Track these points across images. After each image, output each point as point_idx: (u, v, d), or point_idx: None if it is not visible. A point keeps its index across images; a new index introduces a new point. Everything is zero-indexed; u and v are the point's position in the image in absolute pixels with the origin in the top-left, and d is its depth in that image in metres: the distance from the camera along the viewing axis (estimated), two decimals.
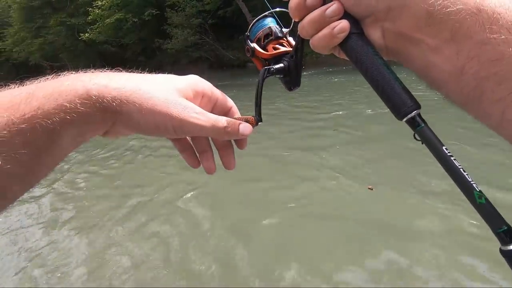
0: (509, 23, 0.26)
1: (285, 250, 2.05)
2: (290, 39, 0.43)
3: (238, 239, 2.20)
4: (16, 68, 28.34)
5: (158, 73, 0.38)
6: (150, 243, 2.30)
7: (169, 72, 0.38)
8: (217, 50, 15.89)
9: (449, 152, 0.29)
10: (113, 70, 0.34)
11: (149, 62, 19.51)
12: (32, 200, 3.25)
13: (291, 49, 0.42)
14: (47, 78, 0.30)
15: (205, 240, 2.27)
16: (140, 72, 0.37)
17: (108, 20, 17.10)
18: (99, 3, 17.24)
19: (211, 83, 0.39)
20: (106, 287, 1.90)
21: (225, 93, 0.41)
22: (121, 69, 0.35)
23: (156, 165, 3.83)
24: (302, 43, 0.39)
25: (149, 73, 0.38)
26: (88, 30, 18.24)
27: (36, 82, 0.30)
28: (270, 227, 2.33)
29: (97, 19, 17.66)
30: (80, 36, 18.77)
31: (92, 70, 0.33)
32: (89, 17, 17.77)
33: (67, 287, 1.94)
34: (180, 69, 17.51)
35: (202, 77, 0.39)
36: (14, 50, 24.27)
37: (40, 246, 2.45)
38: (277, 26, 0.43)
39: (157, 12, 16.35)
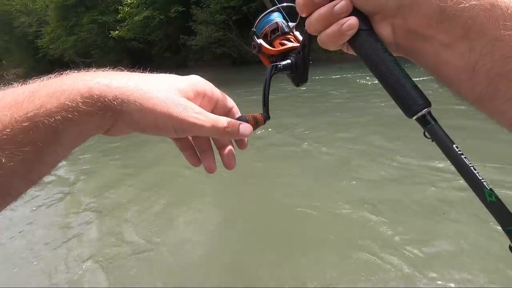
0: None
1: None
2: (297, 33, 0.42)
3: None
4: (52, 64, 30.04)
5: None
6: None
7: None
8: (240, 46, 15.92)
9: (459, 150, 0.28)
10: (115, 69, 0.34)
11: (174, 58, 19.96)
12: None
13: (298, 44, 0.41)
14: (50, 77, 0.31)
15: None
16: (163, 71, 0.38)
17: (136, 17, 17.68)
18: (128, 1, 17.85)
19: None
20: (112, 287, 1.94)
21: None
22: (122, 68, 0.35)
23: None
24: (309, 39, 0.38)
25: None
26: (117, 27, 18.97)
27: (39, 81, 0.30)
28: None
29: (126, 17, 18.30)
30: (110, 34, 19.54)
31: (94, 69, 0.33)
32: (119, 15, 18.45)
33: (78, 287, 1.98)
34: (203, 65, 17.77)
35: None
36: (50, 47, 25.78)
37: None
38: (284, 21, 0.42)
39: (183, 9, 16.65)
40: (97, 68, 0.34)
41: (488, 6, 0.26)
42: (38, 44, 26.92)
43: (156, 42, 19.41)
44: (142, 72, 0.36)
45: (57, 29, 24.47)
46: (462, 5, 0.27)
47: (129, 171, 3.78)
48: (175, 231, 2.42)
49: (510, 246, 0.26)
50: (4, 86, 0.31)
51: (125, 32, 18.74)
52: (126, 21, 18.49)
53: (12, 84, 0.31)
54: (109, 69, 0.34)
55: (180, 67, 18.70)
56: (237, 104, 0.42)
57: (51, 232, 2.64)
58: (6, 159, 0.26)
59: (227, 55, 16.88)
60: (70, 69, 0.34)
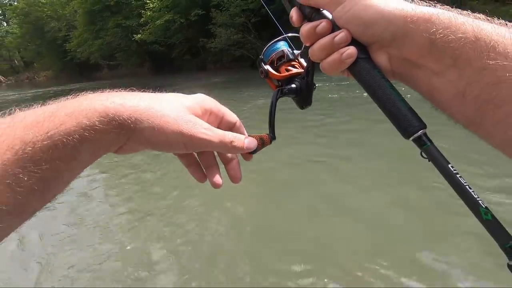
0: (506, 50, 0.28)
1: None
2: (302, 60, 0.45)
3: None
4: (79, 66, 31.54)
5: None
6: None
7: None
8: (258, 48, 15.96)
9: (455, 170, 0.29)
10: (127, 90, 0.36)
11: (193, 60, 20.33)
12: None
13: (302, 70, 0.44)
14: (67, 98, 0.32)
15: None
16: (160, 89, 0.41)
17: (158, 21, 18.19)
18: (151, 5, 18.42)
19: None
20: (108, 287, 1.97)
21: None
22: (134, 88, 0.37)
23: None
24: (312, 65, 0.41)
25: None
26: (140, 31, 19.60)
27: (57, 101, 0.32)
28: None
29: (148, 21, 18.87)
30: (133, 37, 20.22)
31: (108, 90, 0.35)
32: (142, 19, 19.06)
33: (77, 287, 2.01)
34: (222, 67, 17.98)
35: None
36: (77, 50, 26.97)
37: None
38: (289, 49, 0.45)
39: (203, 12, 16.94)
40: (110, 89, 0.36)
41: (473, 39, 0.29)
42: (67, 48, 28.25)
43: (176, 45, 19.86)
44: (152, 92, 0.38)
45: (84, 33, 25.57)
46: (450, 37, 0.29)
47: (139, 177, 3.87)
48: (193, 235, 2.45)
49: (508, 264, 0.27)
50: (35, 103, 0.32)
51: (147, 36, 19.32)
52: (148, 25, 19.06)
53: (32, 105, 0.32)
54: (122, 89, 0.36)
55: (200, 69, 19.04)
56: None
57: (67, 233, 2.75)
58: (27, 177, 0.27)
59: (246, 58, 16.99)
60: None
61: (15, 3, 36.73)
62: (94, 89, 0.37)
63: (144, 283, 1.97)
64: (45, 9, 30.75)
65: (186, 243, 2.31)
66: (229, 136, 0.37)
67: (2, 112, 0.30)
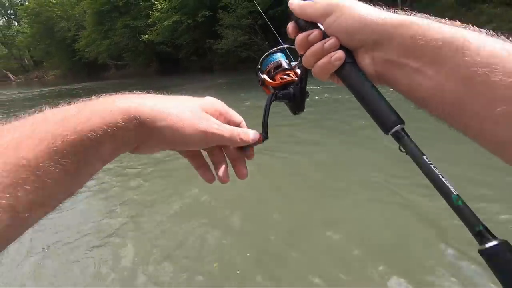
0: (478, 48, 0.31)
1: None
2: (298, 70, 0.48)
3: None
4: (87, 66, 31.94)
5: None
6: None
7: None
8: (265, 50, 15.81)
9: (429, 161, 0.32)
10: (144, 92, 0.39)
11: (200, 61, 20.43)
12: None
13: (296, 78, 0.47)
14: (91, 98, 0.35)
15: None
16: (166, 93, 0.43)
17: (165, 22, 18.33)
18: (159, 6, 18.59)
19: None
20: (110, 287, 1.98)
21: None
22: (151, 91, 0.40)
23: None
24: (306, 72, 0.45)
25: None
26: (147, 31, 19.77)
27: (83, 100, 0.34)
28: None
29: (156, 21, 19.04)
30: (141, 37, 20.41)
31: (127, 92, 0.38)
32: (150, 20, 19.24)
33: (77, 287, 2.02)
34: (228, 69, 18.04)
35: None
36: (86, 50, 27.31)
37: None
38: (286, 60, 0.49)
39: (210, 13, 17.03)
40: (118, 95, 0.38)
41: (450, 39, 0.32)
42: (75, 48, 28.61)
43: (183, 45, 19.98)
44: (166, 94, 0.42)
45: (92, 33, 25.88)
46: (429, 38, 0.33)
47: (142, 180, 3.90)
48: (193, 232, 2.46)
49: (479, 250, 0.28)
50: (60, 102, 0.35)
51: (155, 36, 19.48)
52: (156, 26, 19.22)
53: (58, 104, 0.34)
54: (139, 92, 0.39)
55: (206, 70, 19.14)
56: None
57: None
58: (55, 169, 0.29)
59: (252, 59, 17.02)
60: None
61: (26, 3, 37.39)
62: (99, 88, 0.38)
63: (145, 281, 1.98)
64: (55, 9, 31.21)
65: (185, 240, 2.32)
66: (237, 130, 0.42)
67: (34, 109, 0.33)
